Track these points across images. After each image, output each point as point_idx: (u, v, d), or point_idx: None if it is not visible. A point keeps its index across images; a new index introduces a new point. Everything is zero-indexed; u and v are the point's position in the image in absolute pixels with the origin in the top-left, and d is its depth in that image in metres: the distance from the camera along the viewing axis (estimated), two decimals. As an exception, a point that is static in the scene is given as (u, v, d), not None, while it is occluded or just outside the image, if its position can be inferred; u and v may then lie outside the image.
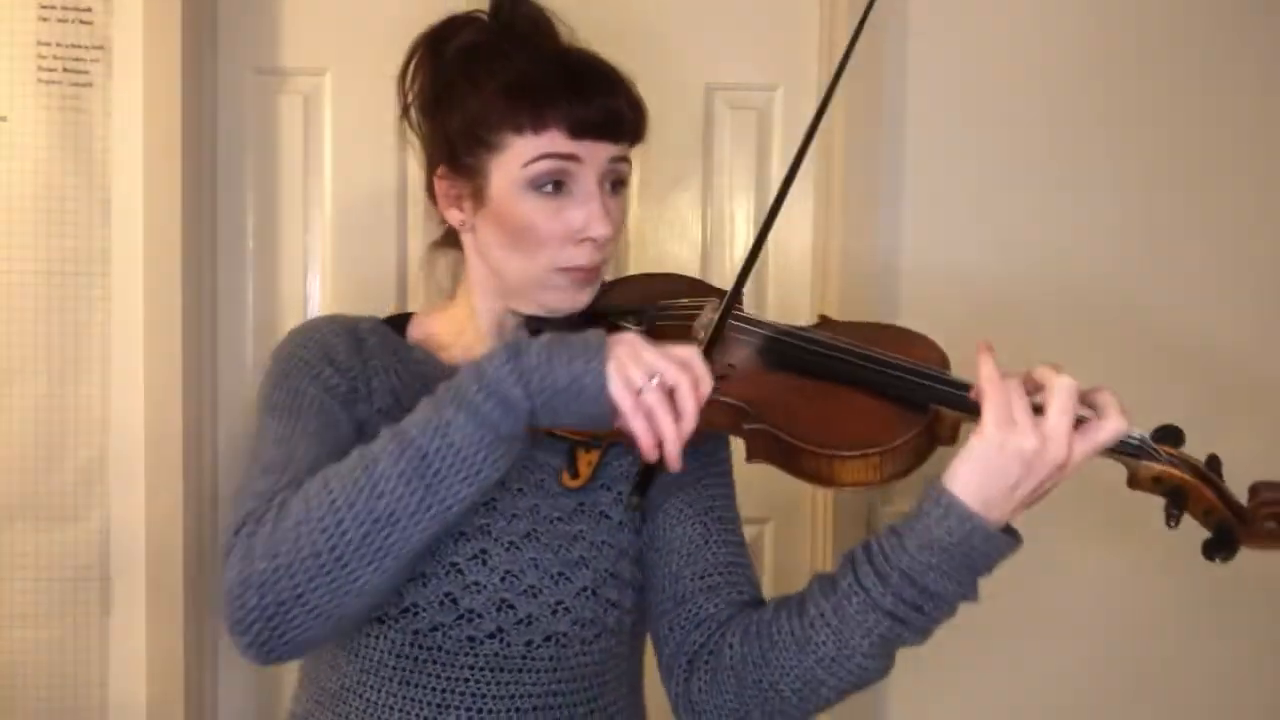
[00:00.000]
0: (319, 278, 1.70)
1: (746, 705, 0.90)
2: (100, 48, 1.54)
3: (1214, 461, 0.89)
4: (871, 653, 0.85)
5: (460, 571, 0.94)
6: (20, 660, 1.55)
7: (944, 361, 0.96)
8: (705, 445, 1.03)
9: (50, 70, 1.53)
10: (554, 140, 0.94)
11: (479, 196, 0.98)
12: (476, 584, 0.93)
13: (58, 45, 1.53)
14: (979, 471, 0.80)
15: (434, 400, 0.83)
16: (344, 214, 1.69)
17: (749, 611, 0.94)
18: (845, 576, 0.85)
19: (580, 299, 1.00)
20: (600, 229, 0.95)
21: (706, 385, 0.82)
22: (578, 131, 0.94)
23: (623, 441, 0.94)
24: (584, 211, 0.95)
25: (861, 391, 0.91)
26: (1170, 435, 0.89)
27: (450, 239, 1.08)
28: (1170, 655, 1.77)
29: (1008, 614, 1.65)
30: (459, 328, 1.07)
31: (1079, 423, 0.81)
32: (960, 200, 1.70)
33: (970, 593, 0.83)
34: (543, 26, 1.03)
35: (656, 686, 1.02)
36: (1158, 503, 0.89)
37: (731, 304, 0.96)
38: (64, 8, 1.53)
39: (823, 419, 0.90)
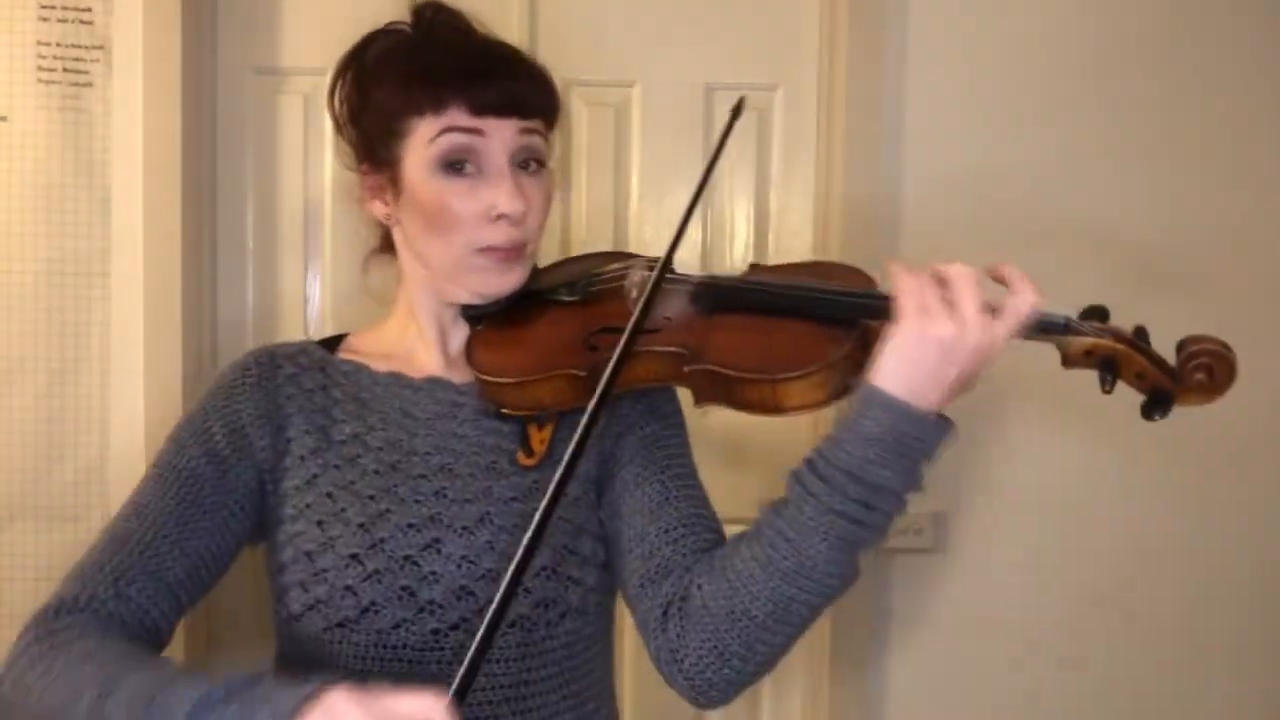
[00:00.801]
0: (319, 278, 1.70)
1: (724, 639, 0.89)
2: (100, 48, 1.54)
3: (1141, 331, 0.92)
4: (832, 557, 0.86)
5: (415, 563, 0.94)
6: (20, 660, 1.55)
7: (869, 283, 0.99)
8: (654, 400, 1.05)
9: (50, 70, 1.53)
10: (454, 117, 0.95)
11: (396, 185, 1.00)
12: (434, 574, 0.94)
13: (58, 45, 1.53)
14: (901, 361, 0.83)
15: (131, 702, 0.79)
16: (344, 214, 1.69)
17: (712, 553, 0.95)
18: (793, 489, 0.87)
19: (507, 281, 1.00)
20: (511, 204, 0.95)
21: None
22: (477, 109, 0.95)
23: (586, 371, 0.96)
24: (494, 188, 0.96)
25: (792, 320, 0.94)
26: (1097, 313, 0.93)
27: (386, 244, 1.09)
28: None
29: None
30: (398, 334, 1.08)
31: (995, 311, 0.84)
32: (960, 209, 1.70)
33: (913, 482, 0.85)
34: (459, 26, 1.04)
35: (637, 677, 1.02)
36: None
37: (669, 260, 0.96)
38: (64, 8, 1.53)
39: (760, 349, 0.93)
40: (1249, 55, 1.73)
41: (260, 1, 1.67)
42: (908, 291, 0.84)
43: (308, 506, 0.97)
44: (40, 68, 1.52)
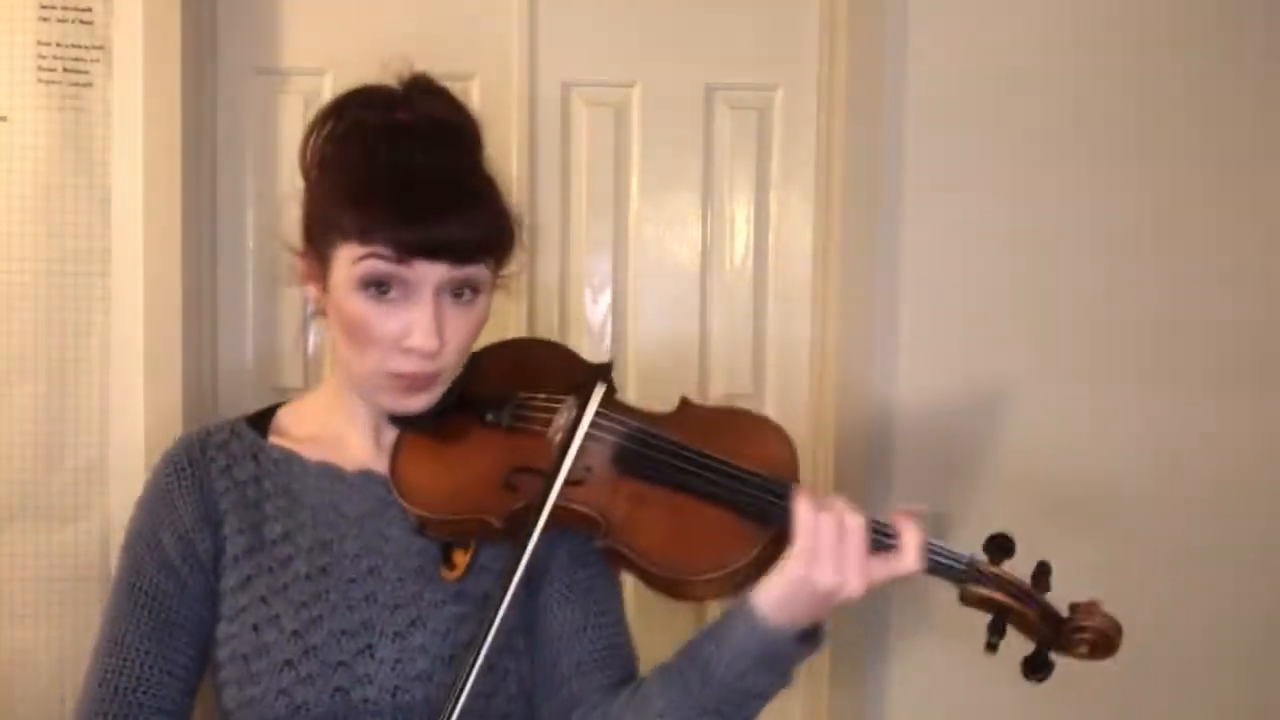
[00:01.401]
0: (319, 278, 1.70)
1: None
2: (100, 48, 1.54)
3: (1043, 568, 0.95)
4: None
5: (348, 666, 0.95)
6: (20, 660, 1.55)
7: (793, 460, 0.99)
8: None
9: (50, 70, 1.53)
10: (379, 250, 0.92)
11: (325, 282, 0.98)
12: (367, 675, 0.95)
13: (58, 45, 1.53)
14: (784, 593, 0.88)
15: None
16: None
17: (617, 696, 0.97)
18: (676, 678, 0.92)
19: (411, 405, 0.98)
20: (425, 341, 0.93)
21: None
22: (403, 250, 0.91)
23: (501, 520, 0.96)
24: (409, 321, 0.93)
25: (713, 505, 0.94)
26: (1001, 547, 0.94)
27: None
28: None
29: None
30: (327, 413, 1.06)
31: (882, 550, 0.89)
32: (960, 209, 1.70)
33: (784, 682, 0.91)
34: (440, 128, 0.98)
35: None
36: None
37: (574, 433, 0.95)
38: (64, 8, 1.53)
39: (675, 538, 0.93)
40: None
41: (260, 2, 1.67)
42: (804, 532, 0.87)
43: (243, 610, 0.98)
44: (40, 68, 1.52)
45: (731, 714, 0.91)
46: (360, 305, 0.94)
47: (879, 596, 1.71)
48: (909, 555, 0.90)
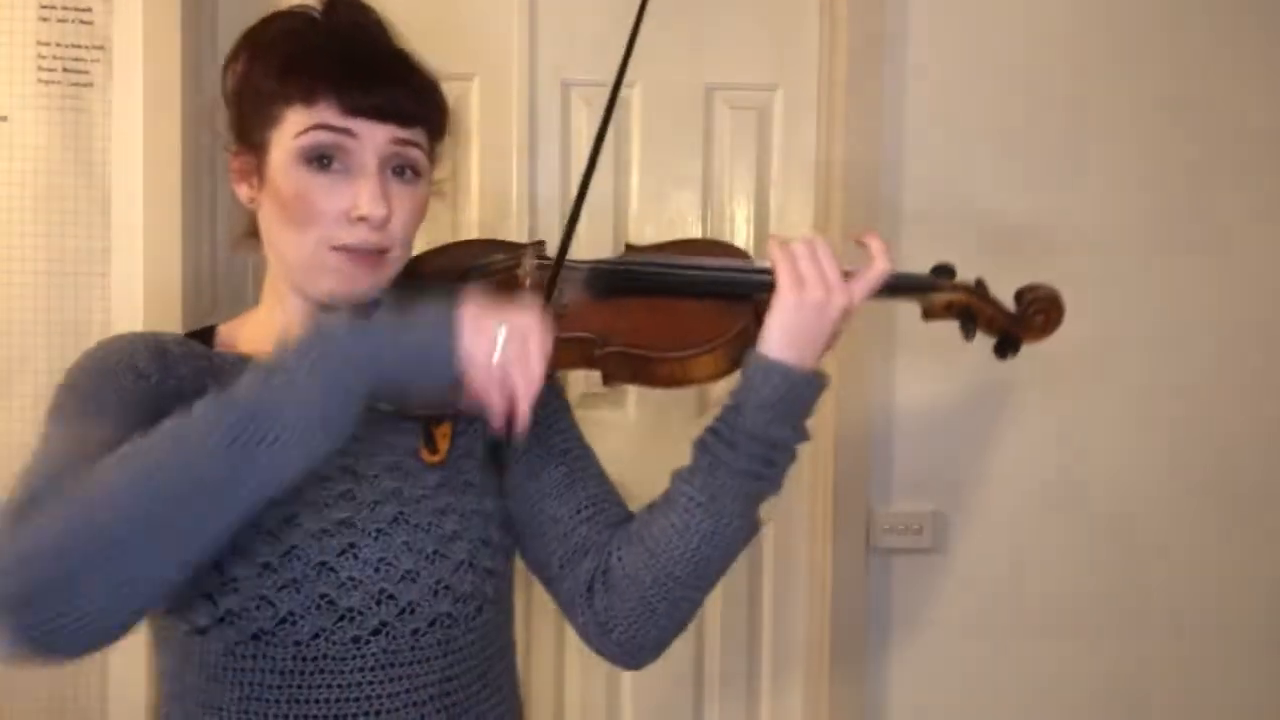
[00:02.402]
0: (319, 278, 1.70)
1: (650, 602, 0.97)
2: (100, 48, 1.54)
3: (981, 283, 1.06)
4: (742, 513, 0.95)
5: (332, 569, 0.91)
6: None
7: (746, 258, 1.06)
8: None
9: (50, 70, 1.53)
10: (325, 114, 0.92)
11: (261, 171, 0.97)
12: (352, 579, 0.91)
13: (58, 45, 1.53)
14: (785, 330, 0.94)
15: (265, 366, 0.79)
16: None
17: (625, 526, 1.01)
18: (702, 458, 0.96)
19: (359, 284, 0.95)
20: (372, 206, 0.92)
21: (549, 341, 0.84)
22: (349, 108, 0.92)
23: (466, 413, 0.94)
24: (356, 188, 0.93)
25: (687, 299, 1.01)
26: (946, 271, 1.05)
27: (253, 230, 1.04)
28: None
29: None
30: (269, 329, 1.01)
31: (849, 275, 0.96)
32: (960, 209, 1.70)
33: (803, 434, 0.96)
34: (362, 23, 1.00)
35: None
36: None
37: (566, 247, 0.98)
38: (64, 8, 1.53)
39: (665, 328, 0.99)
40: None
41: (260, 2, 1.66)
42: (783, 267, 0.95)
43: None
44: (40, 68, 1.52)
45: (761, 472, 0.94)
46: (302, 180, 0.93)
47: (879, 592, 1.71)
48: (880, 260, 0.97)
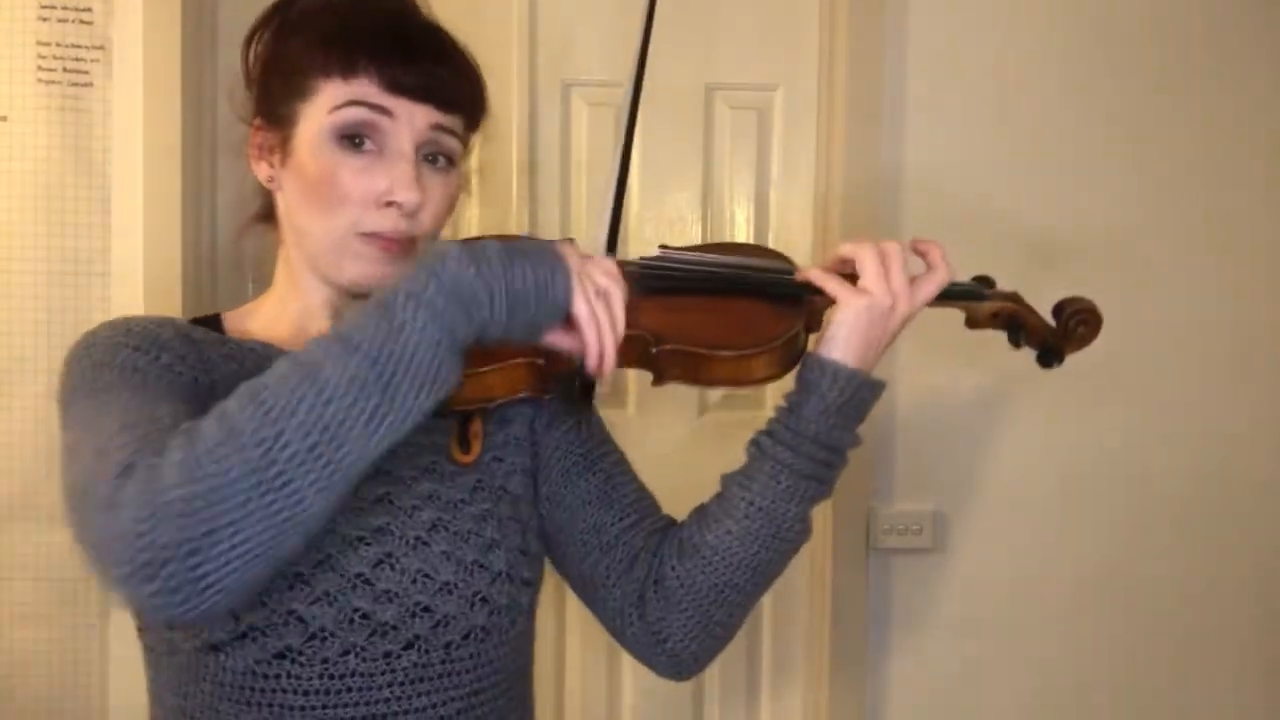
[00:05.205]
0: (319, 278, 1.70)
1: (709, 612, 0.95)
2: (100, 48, 1.54)
3: (1017, 296, 1.07)
4: (800, 516, 0.94)
5: (369, 583, 0.85)
6: (20, 660, 1.55)
7: (790, 263, 1.05)
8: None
9: (50, 70, 1.53)
10: (364, 89, 0.87)
11: (286, 148, 0.91)
12: (388, 593, 0.86)
13: (58, 45, 1.53)
14: (852, 332, 0.93)
15: (378, 303, 0.74)
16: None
17: (672, 532, 0.98)
18: (762, 463, 0.94)
19: (385, 273, 0.90)
20: (406, 193, 0.87)
21: (627, 294, 0.83)
22: (391, 85, 0.87)
23: (545, 359, 0.92)
24: (391, 172, 0.88)
25: (742, 298, 1.00)
26: (987, 282, 1.07)
27: (268, 212, 0.99)
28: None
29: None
30: (284, 317, 0.96)
31: (913, 279, 0.96)
32: (960, 209, 1.71)
33: (858, 438, 0.96)
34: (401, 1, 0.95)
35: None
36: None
37: (615, 240, 0.98)
38: (64, 8, 1.53)
39: (723, 327, 0.97)
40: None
41: (260, 2, 1.66)
42: (866, 255, 0.94)
43: None
44: (40, 68, 1.52)
45: (822, 474, 0.94)
46: (333, 158, 0.88)
47: (879, 592, 1.71)
48: (941, 268, 0.97)
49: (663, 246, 1.08)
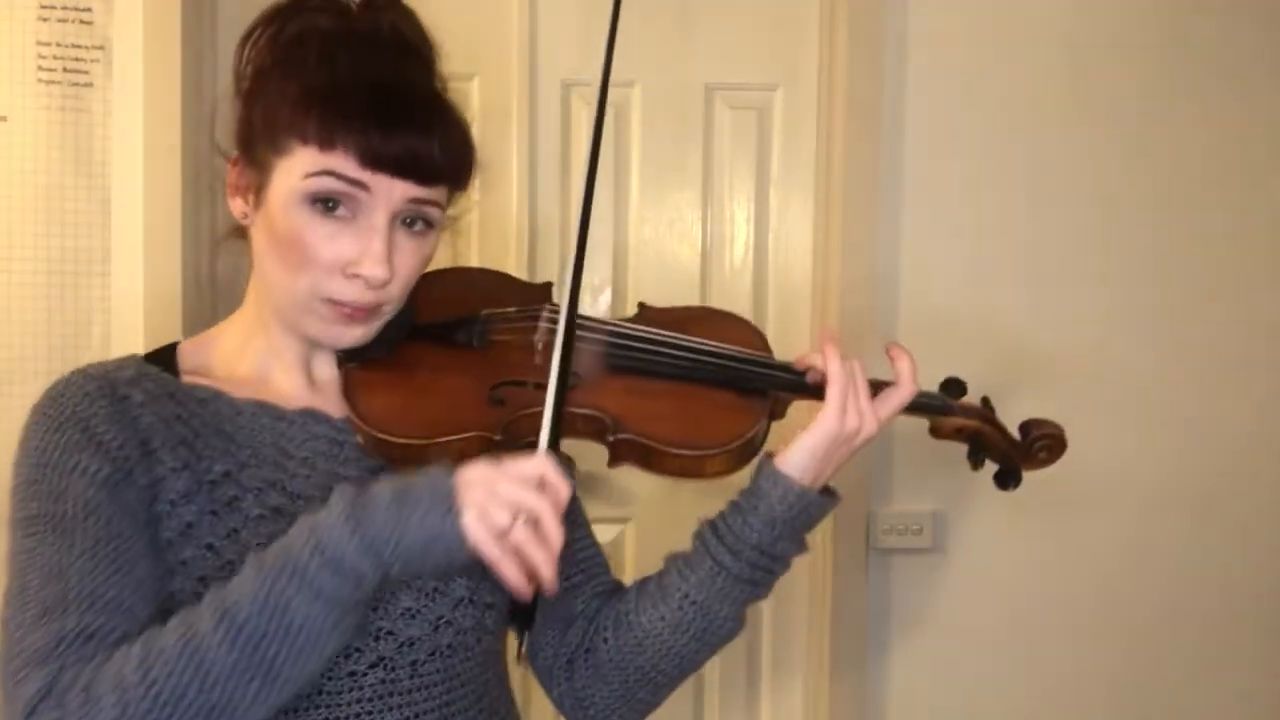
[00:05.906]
0: (319, 278, 1.70)
1: (631, 688, 0.98)
2: (100, 48, 1.54)
3: (987, 403, 1.05)
4: (733, 616, 0.95)
5: None
6: (20, 660, 1.55)
7: (764, 342, 1.04)
8: None
9: (50, 70, 1.53)
10: (340, 161, 0.84)
11: (260, 194, 0.89)
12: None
13: (58, 45, 1.53)
14: (814, 453, 0.93)
15: (264, 570, 0.74)
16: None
17: (614, 601, 1.00)
18: (703, 559, 0.94)
19: (345, 336, 0.89)
20: (374, 269, 0.85)
21: (566, 494, 0.78)
22: (369, 160, 0.83)
23: (502, 434, 0.91)
24: (360, 245, 0.85)
25: (710, 388, 0.98)
26: (956, 386, 1.04)
27: (243, 231, 0.97)
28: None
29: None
30: (244, 349, 0.95)
31: (877, 390, 0.96)
32: (960, 208, 1.71)
33: (803, 548, 0.97)
34: (402, 41, 0.91)
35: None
36: None
37: (573, 320, 0.90)
38: (64, 8, 1.53)
39: (682, 420, 0.96)
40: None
41: (261, 2, 1.66)
42: (837, 385, 0.93)
43: (183, 564, 0.83)
44: (40, 68, 1.52)
45: (760, 580, 0.94)
46: (303, 221, 0.85)
47: (879, 592, 1.71)
48: (907, 385, 0.97)
49: (641, 305, 1.07)
